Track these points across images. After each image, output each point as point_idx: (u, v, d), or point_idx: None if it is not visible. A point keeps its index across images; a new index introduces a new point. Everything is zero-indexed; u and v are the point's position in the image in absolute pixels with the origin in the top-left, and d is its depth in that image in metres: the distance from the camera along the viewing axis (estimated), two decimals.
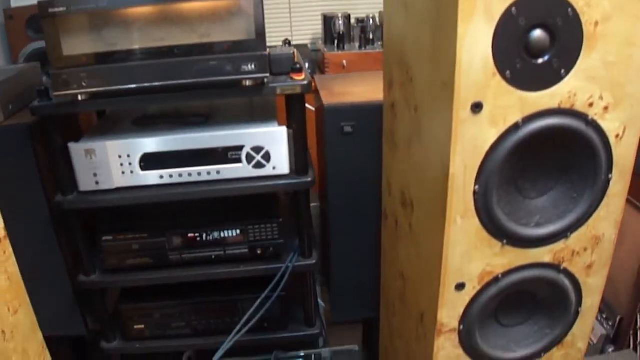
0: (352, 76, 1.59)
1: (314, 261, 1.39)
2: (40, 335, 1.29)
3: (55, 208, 1.30)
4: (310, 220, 1.38)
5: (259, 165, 1.28)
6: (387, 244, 1.24)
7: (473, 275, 0.91)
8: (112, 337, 1.48)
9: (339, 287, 1.46)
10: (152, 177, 1.28)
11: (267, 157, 1.27)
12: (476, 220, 0.86)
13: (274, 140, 1.26)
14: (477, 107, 0.81)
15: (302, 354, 1.40)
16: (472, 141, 0.82)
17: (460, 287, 0.91)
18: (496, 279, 0.92)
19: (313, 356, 1.38)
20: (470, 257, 0.89)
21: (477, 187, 0.85)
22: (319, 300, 1.67)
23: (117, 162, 1.27)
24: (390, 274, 1.23)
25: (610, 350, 1.69)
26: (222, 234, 1.35)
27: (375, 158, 1.30)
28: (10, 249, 1.20)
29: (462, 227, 0.86)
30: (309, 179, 1.29)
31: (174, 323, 1.46)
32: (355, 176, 1.34)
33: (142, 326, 1.46)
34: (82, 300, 1.46)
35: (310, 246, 1.40)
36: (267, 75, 1.19)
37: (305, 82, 1.22)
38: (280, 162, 1.28)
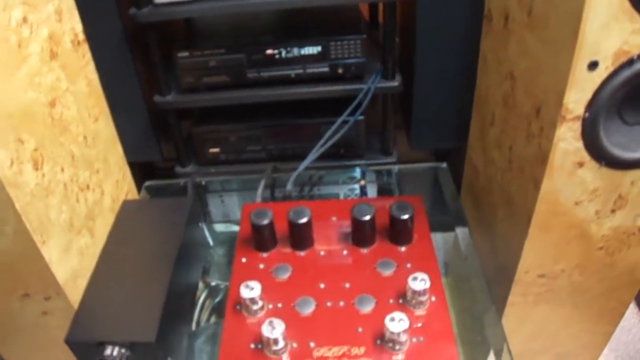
0: None
1: (396, 83, 1.27)
2: (120, 148, 1.22)
3: (130, 22, 1.19)
4: (394, 38, 1.25)
5: None
6: (490, 49, 1.09)
7: (608, 53, 0.77)
8: (187, 162, 1.41)
9: (421, 113, 1.34)
10: None
11: None
12: None
13: None
14: None
15: (390, 168, 1.31)
16: None
17: (593, 65, 0.78)
18: (631, 61, 0.79)
19: (397, 169, 1.29)
20: (609, 31, 0.75)
21: None
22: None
23: None
24: (492, 82, 1.09)
25: None
26: (303, 51, 1.23)
27: None
28: (90, 55, 1.11)
29: None
30: None
31: (249, 146, 1.37)
32: None
33: (217, 150, 1.38)
34: (157, 123, 1.39)
35: (394, 68, 1.27)
36: None
37: None
38: None
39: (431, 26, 1.21)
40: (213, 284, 1.03)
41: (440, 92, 1.29)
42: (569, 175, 0.88)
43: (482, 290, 1.03)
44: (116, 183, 1.17)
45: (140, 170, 1.51)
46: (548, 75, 0.85)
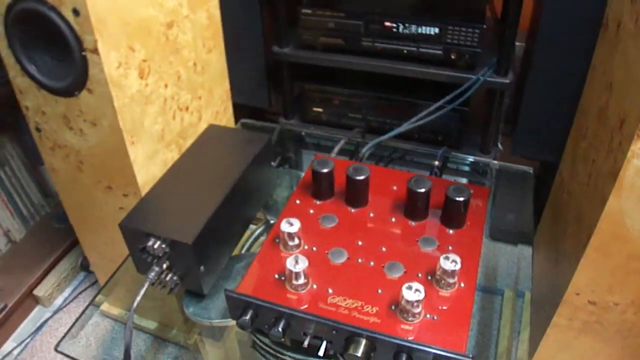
0: None
1: (508, 81, 1.26)
2: (227, 84, 1.31)
3: None
4: (514, 34, 1.24)
5: None
6: (600, 58, 1.05)
7: None
8: (291, 115, 1.50)
9: (529, 118, 1.31)
10: None
11: None
12: None
13: None
14: None
15: (471, 159, 1.31)
16: None
17: None
18: None
19: (491, 165, 1.28)
20: None
21: None
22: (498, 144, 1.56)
23: None
24: (594, 94, 1.06)
25: None
26: (420, 30, 1.25)
27: None
28: None
29: None
30: None
31: (350, 113, 1.43)
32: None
33: (321, 110, 1.45)
34: (271, 73, 1.48)
35: (508, 65, 1.26)
36: None
37: None
38: None
39: (553, 31, 1.18)
40: (272, 221, 1.10)
41: (552, 101, 1.26)
42: (639, 199, 0.85)
43: (526, 311, 1.01)
44: (216, 113, 1.28)
45: (250, 114, 1.63)
46: (638, 86, 0.82)
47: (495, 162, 1.27)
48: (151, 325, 1.36)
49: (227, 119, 1.34)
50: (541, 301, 1.12)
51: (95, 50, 0.90)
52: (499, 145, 1.47)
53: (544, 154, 1.35)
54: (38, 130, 1.10)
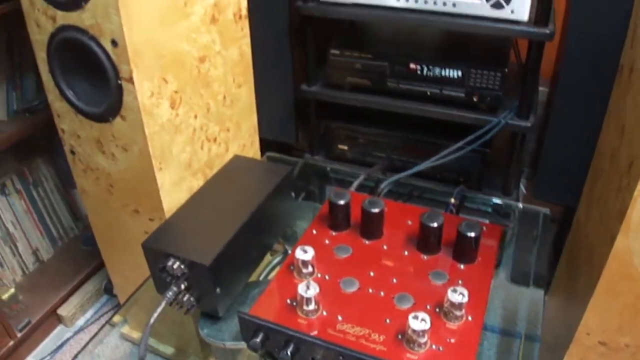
0: None
1: (529, 124, 1.30)
2: (255, 119, 1.38)
3: (294, 12, 1.35)
4: (536, 78, 1.28)
5: (497, 6, 1.19)
6: (615, 103, 1.10)
7: None
8: (317, 152, 1.56)
9: (550, 162, 1.34)
10: None
11: None
12: None
13: None
14: None
15: (493, 200, 1.33)
16: None
17: None
18: None
19: (513, 207, 1.30)
20: None
21: None
22: (521, 185, 1.59)
23: None
24: (609, 137, 1.09)
25: None
26: (443, 72, 1.30)
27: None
28: (248, 30, 1.27)
29: None
30: (547, 32, 1.18)
31: (374, 152, 1.48)
32: (595, 44, 1.18)
33: (346, 147, 1.50)
34: (299, 110, 1.54)
35: (529, 108, 1.30)
36: None
37: None
38: (521, 6, 1.18)
39: (574, 76, 1.22)
40: (290, 251, 1.14)
41: (571, 145, 1.29)
42: None
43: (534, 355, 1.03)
44: (242, 146, 1.34)
45: (277, 149, 1.69)
46: None
47: (518, 204, 1.29)
48: (168, 350, 1.40)
49: (253, 152, 1.40)
50: (555, 343, 1.13)
51: (130, 80, 0.97)
52: (522, 188, 1.50)
53: (564, 198, 1.37)
54: (72, 152, 1.17)
